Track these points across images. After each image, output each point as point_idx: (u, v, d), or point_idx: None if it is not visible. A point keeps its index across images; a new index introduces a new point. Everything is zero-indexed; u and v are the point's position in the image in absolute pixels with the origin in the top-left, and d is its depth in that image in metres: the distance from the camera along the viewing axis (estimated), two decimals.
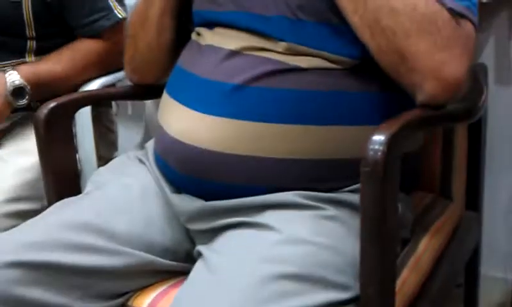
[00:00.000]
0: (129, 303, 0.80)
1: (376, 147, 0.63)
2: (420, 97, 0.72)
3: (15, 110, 1.11)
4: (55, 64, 1.12)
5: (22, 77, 1.07)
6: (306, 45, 0.76)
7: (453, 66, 0.70)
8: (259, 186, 0.76)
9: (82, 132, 1.12)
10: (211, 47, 0.81)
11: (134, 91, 1.07)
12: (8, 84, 1.07)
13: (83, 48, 1.15)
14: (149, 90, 1.06)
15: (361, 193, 0.64)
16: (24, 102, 1.08)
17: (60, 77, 1.12)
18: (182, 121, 0.79)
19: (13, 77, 1.07)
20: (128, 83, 1.07)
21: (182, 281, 0.77)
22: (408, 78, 0.71)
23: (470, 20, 0.73)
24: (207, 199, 0.79)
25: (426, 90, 0.71)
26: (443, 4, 0.71)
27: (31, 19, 1.11)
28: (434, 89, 0.71)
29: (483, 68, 1.05)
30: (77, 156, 1.09)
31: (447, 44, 0.70)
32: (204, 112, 0.77)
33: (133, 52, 0.98)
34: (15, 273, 0.72)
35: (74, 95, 0.98)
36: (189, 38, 0.91)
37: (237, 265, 0.68)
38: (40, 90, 1.09)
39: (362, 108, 0.77)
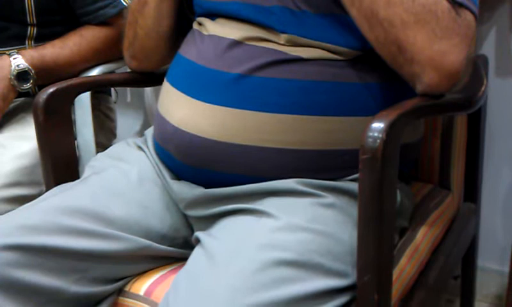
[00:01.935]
0: (127, 288, 0.81)
1: (375, 134, 0.63)
2: (420, 87, 0.72)
3: (19, 94, 1.11)
4: (60, 49, 1.11)
5: (26, 60, 1.07)
6: (308, 36, 0.76)
7: (452, 56, 0.70)
8: (260, 176, 0.76)
9: (81, 118, 1.12)
10: (213, 37, 0.81)
11: (133, 77, 1.06)
12: (13, 67, 1.06)
13: (89, 35, 1.14)
14: (149, 77, 1.06)
15: (359, 180, 0.64)
16: (28, 86, 1.08)
17: (65, 62, 1.11)
18: (183, 109, 0.79)
19: (18, 61, 1.07)
20: (128, 70, 1.07)
21: (180, 267, 0.77)
22: (408, 69, 0.71)
23: (471, 10, 0.73)
24: (206, 187, 0.79)
25: (426, 80, 0.71)
26: None
27: (32, 5, 1.11)
28: (434, 79, 0.70)
29: (484, 59, 1.05)
30: (76, 143, 1.09)
31: (445, 34, 0.69)
32: (205, 101, 0.77)
33: (132, 39, 0.98)
34: (11, 256, 0.72)
35: (73, 80, 0.98)
36: (189, 25, 0.91)
37: (235, 251, 0.69)
38: (45, 74, 1.08)
39: (363, 99, 0.77)
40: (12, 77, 1.06)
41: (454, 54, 0.70)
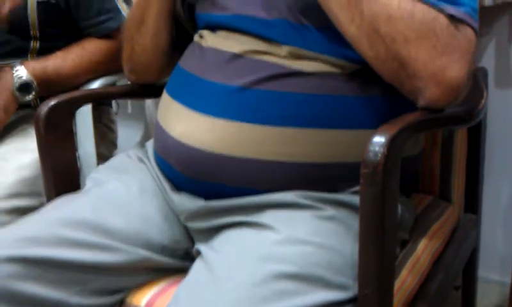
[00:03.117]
0: (127, 300, 0.81)
1: (376, 149, 0.63)
2: (422, 102, 0.72)
3: (20, 106, 1.11)
4: (62, 61, 1.12)
5: (29, 72, 1.08)
6: (309, 49, 0.76)
7: (453, 71, 0.70)
8: (260, 188, 0.76)
9: (82, 130, 1.13)
10: (214, 50, 0.81)
11: (133, 90, 1.07)
12: (15, 79, 1.07)
13: (91, 47, 1.15)
14: (149, 89, 1.06)
15: (361, 194, 0.64)
16: (30, 97, 1.08)
17: (67, 74, 1.12)
18: (183, 122, 0.79)
19: (20, 73, 1.07)
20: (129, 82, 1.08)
21: (180, 279, 0.77)
22: (409, 84, 0.71)
23: (471, 26, 0.73)
24: (207, 199, 0.79)
25: (427, 95, 0.71)
26: (441, 10, 0.71)
27: (36, 19, 1.11)
28: (436, 94, 0.71)
29: (483, 72, 1.05)
30: (77, 154, 1.09)
31: (446, 50, 0.70)
32: (206, 114, 0.77)
33: (129, 54, 0.99)
34: (12, 268, 0.72)
35: (75, 93, 0.98)
36: (186, 37, 0.91)
37: (236, 264, 0.69)
38: (46, 86, 1.09)
39: (364, 112, 0.77)
40: (14, 89, 1.07)
41: (455, 69, 0.70)
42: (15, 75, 1.07)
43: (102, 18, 1.13)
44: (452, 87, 0.70)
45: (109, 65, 1.16)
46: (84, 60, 1.13)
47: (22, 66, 1.08)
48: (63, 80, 1.11)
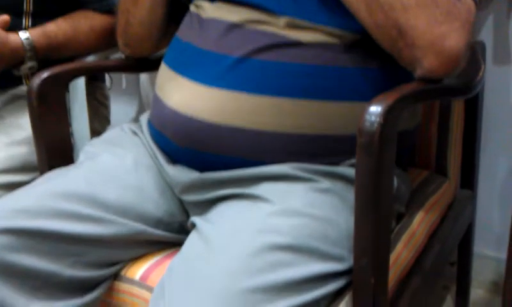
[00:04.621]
0: (122, 273, 0.80)
1: (373, 118, 0.62)
2: (419, 71, 0.72)
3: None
4: (73, 31, 1.09)
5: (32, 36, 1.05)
6: (307, 20, 0.75)
7: (453, 40, 0.69)
8: (256, 159, 0.75)
9: (76, 105, 1.11)
10: (212, 20, 0.80)
11: (128, 63, 1.06)
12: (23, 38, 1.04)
13: (96, 21, 1.13)
14: (143, 63, 1.05)
15: (356, 164, 0.63)
16: (28, 65, 1.05)
17: (70, 40, 1.09)
18: (181, 92, 0.79)
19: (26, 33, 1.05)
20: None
21: (175, 252, 0.76)
22: (407, 53, 0.71)
23: None
24: (202, 171, 0.78)
25: (425, 64, 0.70)
26: None
27: None
28: (434, 64, 0.70)
29: (481, 45, 1.04)
30: (71, 130, 1.08)
31: (446, 18, 0.69)
32: (204, 84, 0.76)
33: (124, 27, 0.98)
34: (5, 239, 0.72)
35: (68, 65, 0.97)
36: (182, 11, 0.90)
37: (231, 235, 0.68)
38: (49, 49, 1.07)
39: (362, 84, 0.76)
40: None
41: (454, 38, 0.69)
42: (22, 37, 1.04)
43: None
44: (451, 57, 0.69)
45: (109, 40, 1.14)
46: (84, 30, 1.11)
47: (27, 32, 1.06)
48: (66, 46, 1.08)
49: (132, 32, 0.97)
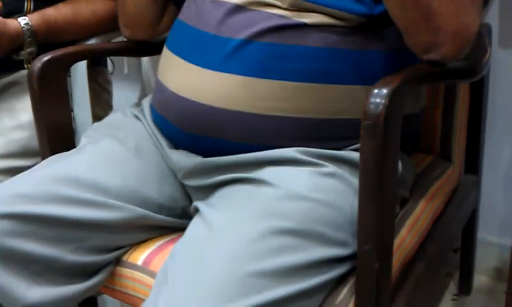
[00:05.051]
0: (124, 258, 0.80)
1: (378, 100, 0.61)
2: (433, 55, 0.71)
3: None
4: (74, 16, 1.08)
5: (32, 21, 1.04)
6: (312, 2, 0.74)
7: (472, 29, 0.70)
8: (260, 144, 0.74)
9: (78, 90, 1.10)
10: (215, 2, 0.79)
11: (129, 46, 1.05)
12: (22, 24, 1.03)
13: (97, 6, 1.11)
14: (145, 47, 1.04)
15: (361, 147, 0.63)
16: (28, 51, 1.04)
17: (71, 23, 1.08)
18: (183, 76, 0.78)
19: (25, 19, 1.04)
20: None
21: (178, 237, 0.76)
22: (426, 37, 0.69)
23: None
24: (205, 156, 0.78)
25: (444, 50, 0.70)
26: None
27: None
28: (452, 50, 0.70)
29: (488, 28, 1.03)
30: (72, 115, 1.07)
31: (471, 7, 0.69)
32: (206, 68, 0.75)
33: (121, 7, 0.97)
34: (7, 224, 0.72)
35: (69, 49, 0.96)
36: None
37: (234, 220, 0.68)
38: (49, 32, 1.05)
39: (367, 67, 0.75)
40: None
41: (473, 27, 0.70)
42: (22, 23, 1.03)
43: None
44: (469, 44, 0.70)
45: (113, 25, 1.13)
46: (92, 16, 1.10)
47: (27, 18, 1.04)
48: (69, 30, 1.07)
49: (127, 12, 0.97)
